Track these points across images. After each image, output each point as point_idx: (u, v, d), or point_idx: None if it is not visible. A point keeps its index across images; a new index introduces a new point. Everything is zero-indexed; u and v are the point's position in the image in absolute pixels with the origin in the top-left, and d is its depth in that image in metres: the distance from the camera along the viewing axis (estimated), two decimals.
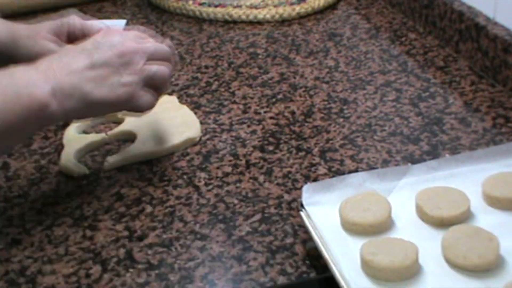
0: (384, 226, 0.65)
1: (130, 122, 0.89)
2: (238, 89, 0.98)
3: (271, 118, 0.91)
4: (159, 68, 0.75)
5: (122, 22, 1.23)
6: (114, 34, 0.75)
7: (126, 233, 0.72)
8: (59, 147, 0.86)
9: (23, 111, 0.66)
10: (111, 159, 0.82)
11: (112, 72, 0.72)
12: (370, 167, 0.79)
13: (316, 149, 0.83)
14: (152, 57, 0.75)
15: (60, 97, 0.68)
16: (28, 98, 0.66)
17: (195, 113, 0.91)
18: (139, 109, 0.76)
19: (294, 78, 1.00)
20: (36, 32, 0.84)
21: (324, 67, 1.03)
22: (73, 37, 0.84)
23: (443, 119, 0.88)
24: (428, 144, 0.83)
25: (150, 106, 0.77)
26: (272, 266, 0.66)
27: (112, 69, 0.72)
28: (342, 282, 0.59)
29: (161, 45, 0.78)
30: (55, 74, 0.69)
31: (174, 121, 0.88)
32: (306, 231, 0.67)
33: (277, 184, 0.78)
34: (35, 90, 0.67)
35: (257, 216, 0.73)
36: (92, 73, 0.71)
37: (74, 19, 0.85)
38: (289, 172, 0.80)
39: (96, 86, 0.71)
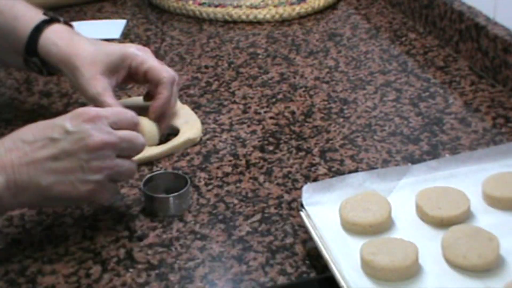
0: (384, 226, 0.65)
1: None
2: (238, 89, 0.98)
3: (271, 118, 0.91)
4: (128, 167, 0.70)
5: (122, 22, 1.24)
6: (85, 120, 0.66)
7: (126, 233, 0.72)
8: None
9: None
10: None
11: (76, 167, 0.65)
12: (370, 167, 0.79)
13: (316, 149, 0.83)
14: (123, 150, 0.69)
15: (14, 189, 0.64)
16: None
17: (196, 113, 0.91)
18: (99, 203, 0.72)
19: (294, 78, 1.00)
20: (92, 74, 0.82)
21: (324, 67, 1.03)
22: (133, 73, 0.84)
23: (443, 119, 0.88)
24: (428, 144, 0.83)
25: (110, 200, 0.72)
26: (272, 266, 0.66)
27: (77, 163, 0.65)
28: (342, 282, 0.59)
29: (134, 137, 0.70)
30: (13, 163, 0.64)
31: (175, 121, 0.88)
32: (306, 231, 0.67)
33: (277, 184, 0.78)
34: None
35: (257, 216, 0.73)
36: (54, 165, 0.64)
37: (141, 59, 0.83)
38: (289, 172, 0.80)
39: (56, 180, 0.65)
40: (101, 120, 0.67)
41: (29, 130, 0.67)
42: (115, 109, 0.72)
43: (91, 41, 0.86)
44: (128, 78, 0.86)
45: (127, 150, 0.69)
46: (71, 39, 0.85)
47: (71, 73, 0.84)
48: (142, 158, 0.82)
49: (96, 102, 0.81)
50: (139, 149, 0.71)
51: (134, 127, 0.71)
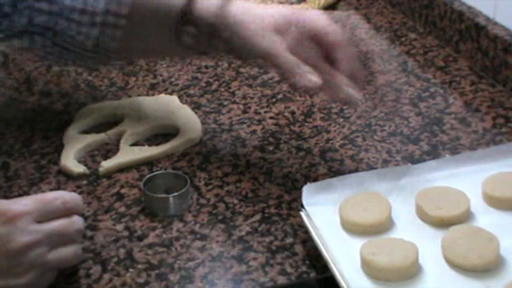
0: (384, 226, 0.65)
1: (130, 123, 0.89)
2: (238, 89, 0.98)
3: (271, 118, 0.91)
4: (66, 257, 0.63)
5: None
6: (4, 223, 0.60)
7: (126, 233, 0.72)
8: (59, 147, 0.86)
9: None
10: (106, 165, 0.82)
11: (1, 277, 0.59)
12: (370, 167, 0.79)
13: (316, 149, 0.83)
14: (56, 242, 0.62)
15: None
16: None
17: (196, 113, 0.91)
18: None
19: (294, 77, 1.00)
20: (259, 28, 0.73)
21: None
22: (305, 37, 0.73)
23: (443, 119, 0.88)
24: (428, 144, 0.83)
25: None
26: (272, 266, 0.66)
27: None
28: (342, 282, 0.59)
29: (66, 226, 0.63)
30: None
31: (175, 121, 0.88)
32: (306, 231, 0.67)
33: (277, 184, 0.78)
34: None
35: (257, 216, 0.73)
36: None
37: (316, 20, 0.73)
38: (289, 172, 0.80)
39: None
40: (23, 218, 0.60)
41: None
42: (39, 199, 0.63)
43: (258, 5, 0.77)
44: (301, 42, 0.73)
45: (61, 240, 0.62)
46: (241, 25, 0.74)
47: (232, 30, 0.74)
48: (142, 158, 0.83)
49: (269, 56, 0.73)
50: (75, 236, 0.64)
51: (67, 212, 0.63)
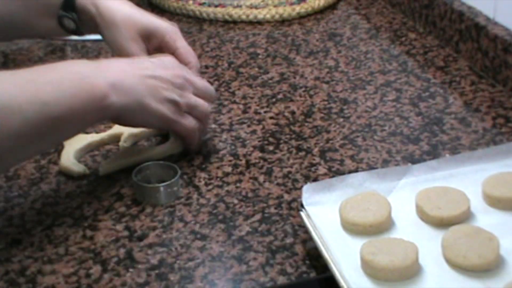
0: (384, 226, 0.65)
1: None
2: (238, 89, 0.98)
3: (271, 118, 0.91)
4: (202, 103, 0.81)
5: None
6: (170, 61, 0.82)
7: (126, 233, 0.72)
8: (59, 147, 0.86)
9: (85, 99, 0.71)
10: (106, 165, 0.82)
11: (165, 88, 0.78)
12: (370, 167, 0.79)
13: (316, 149, 0.83)
14: (198, 92, 0.81)
15: (119, 91, 0.74)
16: (90, 87, 0.72)
17: None
18: (183, 128, 0.80)
19: (294, 78, 1.00)
20: (131, 34, 0.86)
21: (324, 67, 1.03)
22: (163, 46, 0.87)
23: (443, 119, 0.88)
24: (428, 144, 0.83)
25: (192, 130, 0.81)
26: (272, 266, 0.66)
27: (166, 85, 0.78)
28: (342, 282, 0.59)
29: (208, 86, 0.84)
30: (114, 72, 0.75)
31: None
32: (306, 231, 0.67)
33: (277, 184, 0.78)
34: (96, 81, 0.72)
35: (257, 216, 0.73)
36: (149, 82, 0.77)
37: (174, 37, 0.87)
38: (289, 172, 0.80)
39: (148, 93, 0.76)
40: (179, 65, 0.83)
41: (140, 58, 0.84)
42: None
43: (128, 2, 0.89)
44: (156, 50, 0.89)
45: (200, 92, 0.82)
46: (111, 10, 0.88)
47: (108, 30, 0.87)
48: (142, 158, 0.83)
49: (119, 43, 0.86)
50: (212, 94, 0.84)
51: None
